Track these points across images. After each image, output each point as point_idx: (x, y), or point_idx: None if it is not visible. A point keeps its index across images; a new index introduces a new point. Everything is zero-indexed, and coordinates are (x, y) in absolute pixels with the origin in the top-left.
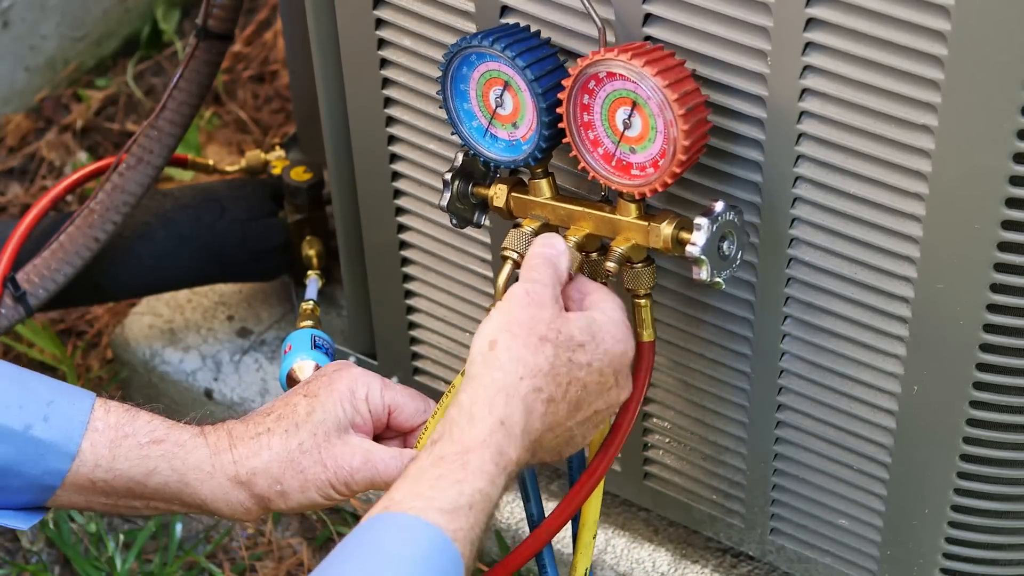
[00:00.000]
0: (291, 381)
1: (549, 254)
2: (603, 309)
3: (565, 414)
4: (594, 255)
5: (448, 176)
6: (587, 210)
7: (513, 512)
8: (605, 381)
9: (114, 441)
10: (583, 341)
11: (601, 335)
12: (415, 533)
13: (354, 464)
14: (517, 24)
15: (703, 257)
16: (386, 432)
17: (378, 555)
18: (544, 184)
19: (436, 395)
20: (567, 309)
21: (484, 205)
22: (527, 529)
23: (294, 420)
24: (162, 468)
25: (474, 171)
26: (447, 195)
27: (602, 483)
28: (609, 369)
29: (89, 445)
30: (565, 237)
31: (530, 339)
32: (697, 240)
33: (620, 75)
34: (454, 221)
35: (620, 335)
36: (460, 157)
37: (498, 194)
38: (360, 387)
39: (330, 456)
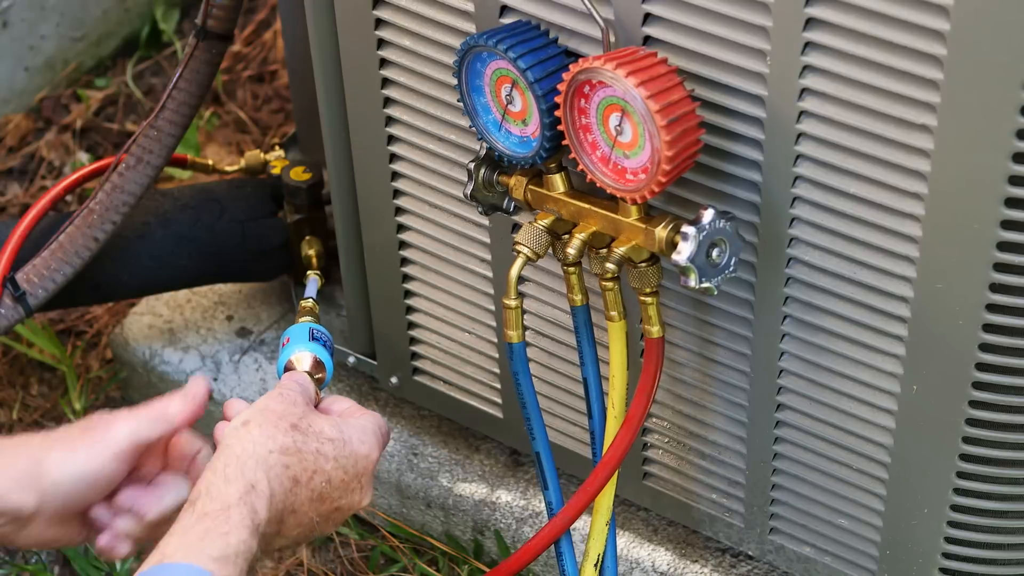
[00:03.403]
0: (288, 372)
1: (299, 380)
2: (357, 418)
3: (308, 502)
4: (603, 251)
5: (471, 165)
6: (595, 208)
7: (512, 511)
8: (349, 481)
9: None
10: (332, 436)
11: (349, 434)
12: None
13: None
14: (528, 22)
15: (689, 265)
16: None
17: None
18: (558, 179)
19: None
20: None
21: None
22: (527, 529)
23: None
24: None
25: (501, 159)
26: (471, 184)
27: (616, 472)
28: (353, 470)
29: None
30: (572, 234)
31: (281, 423)
32: (683, 250)
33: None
34: (480, 209)
35: (367, 439)
36: (485, 146)
37: (517, 185)
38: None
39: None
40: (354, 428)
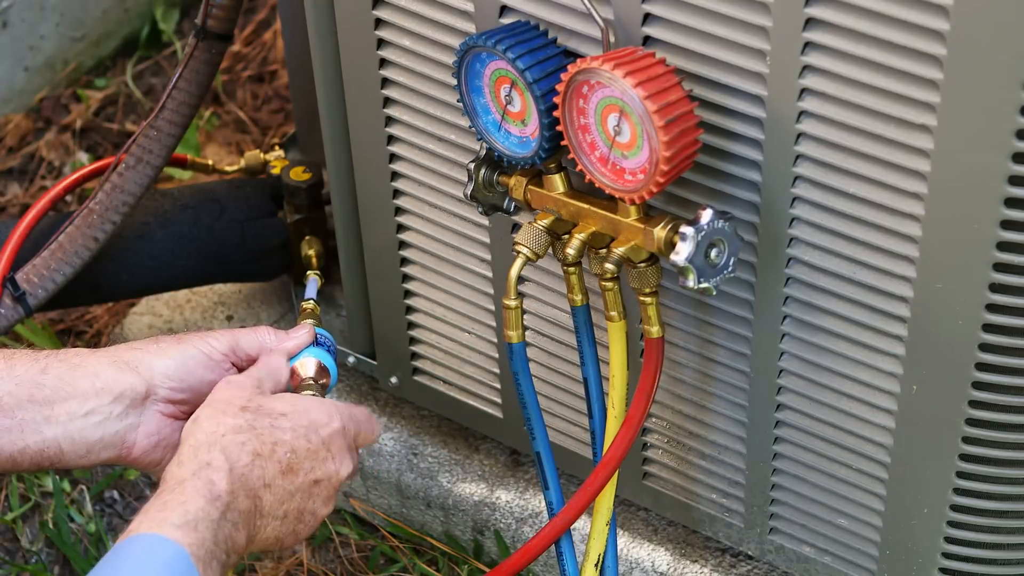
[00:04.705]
0: (293, 378)
1: (256, 369)
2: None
3: (279, 476)
4: (602, 251)
5: (471, 166)
6: (594, 209)
7: (512, 511)
8: (316, 449)
9: None
10: (285, 411)
11: (305, 405)
12: (155, 546)
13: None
14: (527, 23)
15: (688, 266)
16: None
17: (124, 567)
18: (557, 179)
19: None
20: None
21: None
22: (526, 529)
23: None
24: None
25: (500, 159)
26: (471, 185)
27: (616, 472)
28: (316, 437)
29: None
30: (571, 234)
31: (229, 408)
32: (681, 250)
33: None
34: (480, 209)
35: (324, 407)
36: (485, 147)
37: (517, 185)
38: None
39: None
40: (309, 399)
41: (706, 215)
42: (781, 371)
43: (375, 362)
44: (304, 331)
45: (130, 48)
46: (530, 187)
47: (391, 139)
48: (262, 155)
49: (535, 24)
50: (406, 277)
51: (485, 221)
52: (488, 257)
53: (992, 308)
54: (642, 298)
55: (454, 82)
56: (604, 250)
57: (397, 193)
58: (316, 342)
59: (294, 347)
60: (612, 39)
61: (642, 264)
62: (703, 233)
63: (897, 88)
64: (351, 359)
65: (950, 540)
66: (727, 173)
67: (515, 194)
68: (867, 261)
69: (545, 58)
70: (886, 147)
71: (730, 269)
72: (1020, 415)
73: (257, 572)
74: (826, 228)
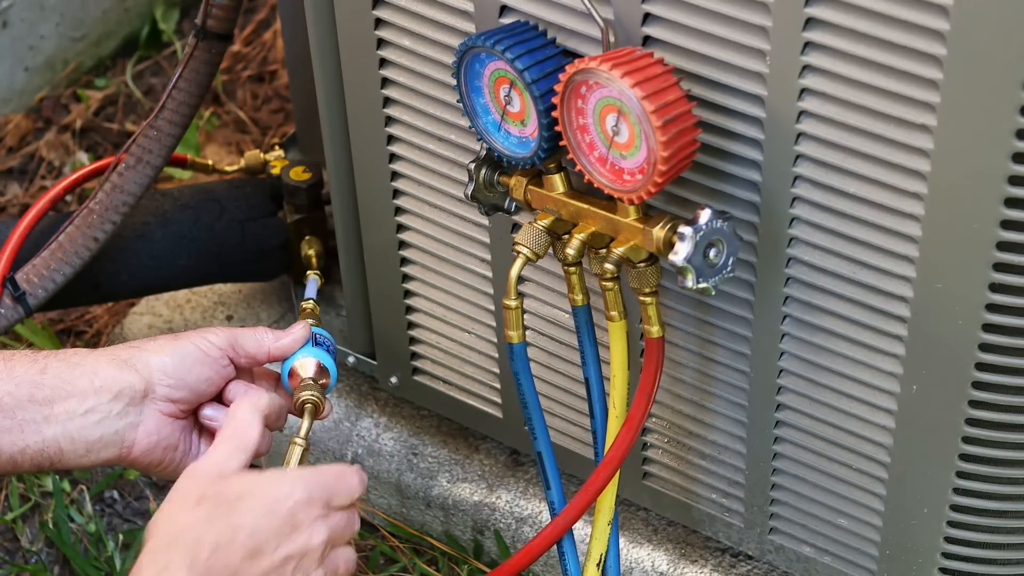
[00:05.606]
0: (293, 378)
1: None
2: (273, 471)
3: (246, 559)
4: (602, 251)
5: (471, 166)
6: (593, 209)
7: (512, 511)
8: (279, 526)
9: None
10: (242, 493)
11: (265, 480)
12: None
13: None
14: (526, 23)
15: (686, 266)
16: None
17: None
18: (557, 179)
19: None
20: None
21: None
22: (526, 529)
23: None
24: None
25: (501, 159)
26: (471, 185)
27: (618, 471)
28: (278, 513)
29: None
30: (571, 234)
31: (185, 503)
32: (679, 250)
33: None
34: (481, 209)
35: (287, 480)
36: (485, 147)
37: (517, 185)
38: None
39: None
40: (269, 473)
41: (704, 215)
42: (781, 371)
43: (375, 362)
44: (300, 326)
45: (130, 48)
46: (530, 187)
47: (391, 139)
48: (262, 155)
49: (534, 24)
50: (406, 277)
51: (485, 221)
52: (488, 257)
53: (992, 308)
54: (642, 298)
55: (454, 82)
56: (604, 250)
57: (397, 193)
58: (315, 342)
59: (290, 343)
60: (612, 39)
61: (642, 264)
62: (701, 233)
63: (897, 88)
64: (351, 359)
65: (950, 540)
66: (727, 173)
67: (515, 194)
68: (867, 261)
69: (544, 58)
70: (886, 147)
71: (729, 269)
72: (1020, 415)
73: None
74: (826, 228)
